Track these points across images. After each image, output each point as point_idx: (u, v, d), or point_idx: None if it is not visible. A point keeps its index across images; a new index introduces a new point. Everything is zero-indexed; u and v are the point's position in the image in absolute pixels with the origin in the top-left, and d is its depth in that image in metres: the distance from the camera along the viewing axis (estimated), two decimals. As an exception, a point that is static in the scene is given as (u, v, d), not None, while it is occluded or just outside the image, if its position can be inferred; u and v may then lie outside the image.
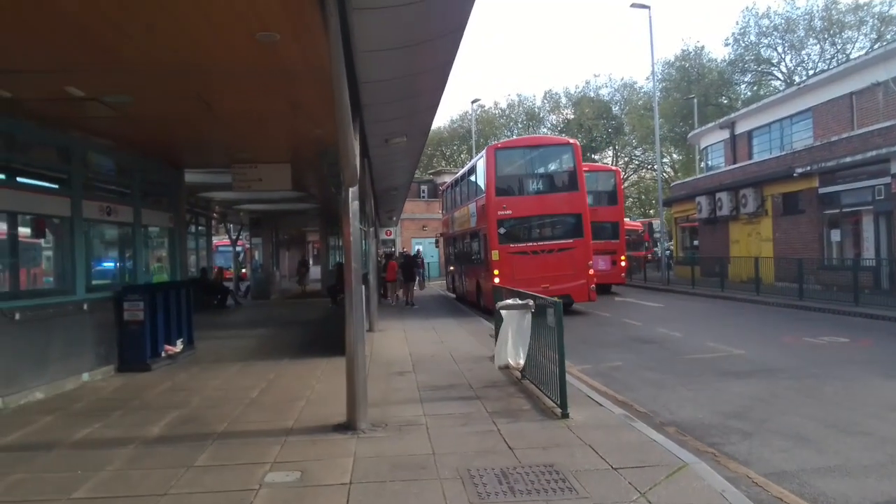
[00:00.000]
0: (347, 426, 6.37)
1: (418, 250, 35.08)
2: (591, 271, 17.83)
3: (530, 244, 17.76)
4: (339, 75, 5.43)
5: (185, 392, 8.41)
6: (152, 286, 11.12)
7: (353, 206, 6.62)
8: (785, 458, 5.66)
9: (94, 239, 10.96)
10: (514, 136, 61.45)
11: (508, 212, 17.67)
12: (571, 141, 19.53)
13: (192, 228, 20.61)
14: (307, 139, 10.83)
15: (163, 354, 10.35)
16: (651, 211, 51.25)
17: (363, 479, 5.02)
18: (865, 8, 41.06)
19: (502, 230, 17.61)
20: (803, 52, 44.77)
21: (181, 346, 10.97)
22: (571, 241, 17.70)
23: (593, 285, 17.85)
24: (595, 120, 56.55)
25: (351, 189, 6.59)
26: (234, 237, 27.67)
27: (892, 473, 5.17)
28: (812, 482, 5.07)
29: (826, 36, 43.04)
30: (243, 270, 31.29)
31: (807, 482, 5.07)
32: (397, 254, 30.59)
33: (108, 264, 12.18)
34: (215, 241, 31.57)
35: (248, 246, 30.70)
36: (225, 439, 6.19)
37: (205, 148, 12.13)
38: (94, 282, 10.27)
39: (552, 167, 19.40)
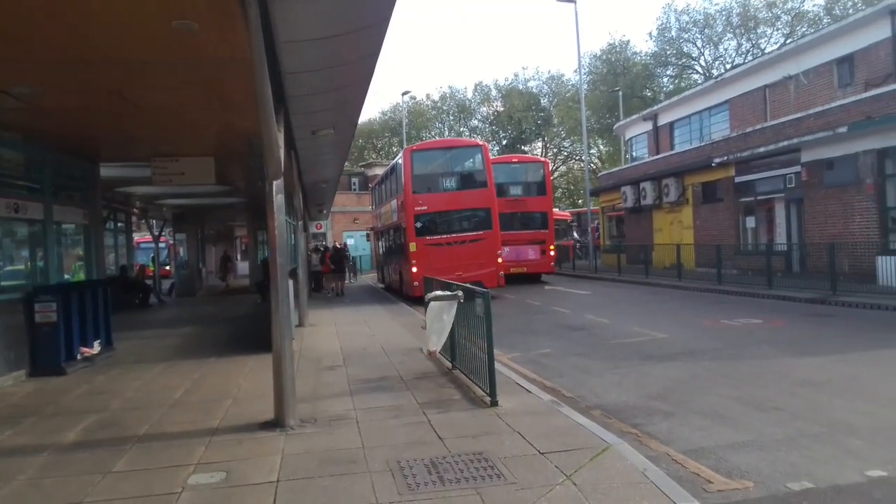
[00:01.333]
0: (275, 423, 6.27)
1: (345, 243, 34.79)
2: (500, 259, 19.91)
3: (445, 236, 19.60)
4: (261, 66, 5.30)
5: (103, 395, 8.07)
6: (66, 286, 10.61)
7: (278, 199, 6.49)
8: (703, 436, 5.90)
9: (1, 238, 10.38)
10: (446, 128, 61.78)
11: (424, 207, 19.49)
12: (481, 143, 22.22)
13: (111, 225, 19.73)
14: (232, 131, 10.55)
15: (79, 357, 9.88)
16: (580, 201, 52.35)
17: (291, 476, 4.95)
18: (779, 4, 43.07)
19: (419, 224, 19.46)
20: (721, 47, 46.67)
21: (99, 348, 10.51)
22: (482, 232, 19.71)
23: (502, 272, 19.97)
24: (524, 112, 57.31)
25: (275, 182, 6.45)
26: (156, 233, 26.69)
27: (801, 446, 5.47)
28: (728, 457, 5.30)
29: (742, 31, 44.94)
30: (167, 267, 30.25)
31: (723, 457, 5.31)
32: (330, 247, 30.59)
33: (18, 265, 11.56)
34: (137, 237, 30.40)
35: (171, 242, 29.65)
36: (146, 442, 5.98)
37: (123, 141, 11.64)
38: (2, 283, 9.72)
39: (464, 167, 21.30)
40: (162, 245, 29.03)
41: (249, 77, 5.53)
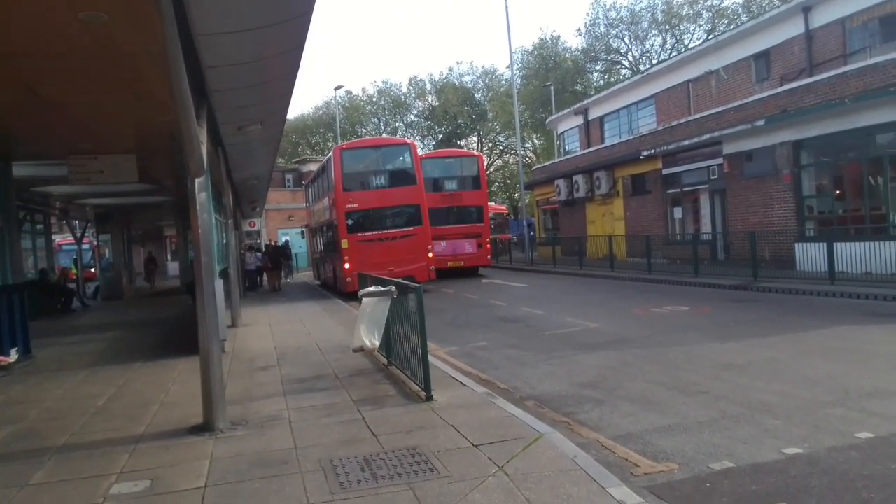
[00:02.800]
0: (204, 427, 6.09)
1: (286, 241, 34.25)
2: (431, 254, 20.45)
3: (376, 233, 19.92)
4: (176, 59, 5.10)
5: (20, 405, 7.67)
6: (-22, 292, 10.04)
7: (201, 197, 6.30)
8: (632, 422, 6.06)
9: None
10: (382, 123, 61.38)
11: (355, 205, 19.81)
12: (409, 141, 23.18)
13: (28, 227, 18.78)
14: (153, 128, 10.19)
15: (-6, 366, 9.40)
16: (515, 195, 52.97)
17: (220, 480, 4.82)
18: (700, 1, 44.58)
19: (350, 221, 19.72)
20: (647, 43, 47.97)
21: (16, 356, 9.99)
22: (412, 228, 20.15)
23: (433, 266, 20.57)
24: (459, 106, 57.48)
25: (198, 180, 6.26)
26: (79, 234, 25.56)
27: (724, 427, 5.68)
28: (654, 441, 5.46)
29: (667, 28, 46.29)
30: (91, 270, 29.05)
31: (650, 441, 5.46)
32: (264, 245, 30.50)
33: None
34: (58, 239, 29.05)
35: (95, 243, 28.48)
36: (66, 453, 5.72)
37: (37, 138, 11.10)
38: None
39: (393, 164, 21.62)
40: (85, 246, 27.83)
41: (167, 71, 5.35)
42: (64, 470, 5.27)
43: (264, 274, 26.69)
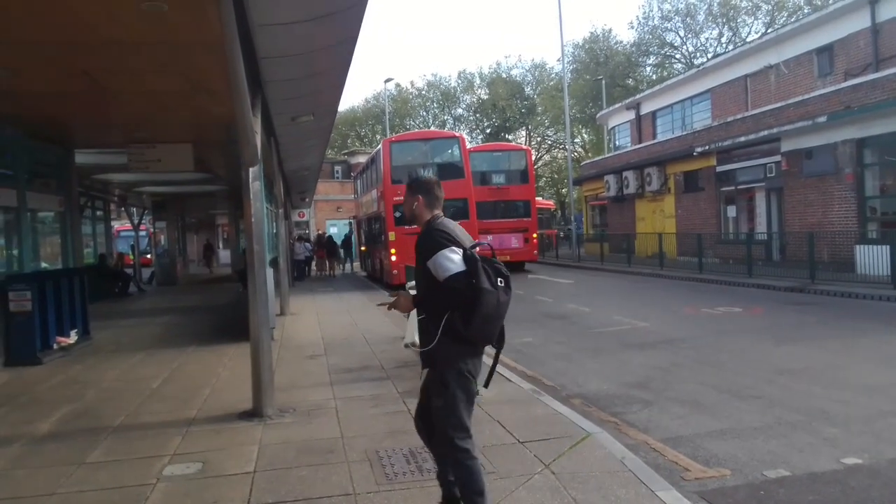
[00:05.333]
0: (253, 413, 6.20)
1: (330, 235, 34.73)
2: (478, 248, 19.93)
3: None
4: (234, 50, 5.17)
5: (79, 385, 7.95)
6: (41, 274, 10.43)
7: (254, 186, 6.39)
8: (681, 424, 5.92)
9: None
10: (430, 116, 61.50)
11: (402, 197, 19.34)
12: (457, 134, 23.08)
13: (89, 213, 19.44)
14: (209, 117, 10.37)
15: (55, 347, 9.73)
16: (563, 190, 52.41)
17: (268, 466, 4.89)
18: (759, -7, 43.24)
19: (398, 214, 19.40)
20: (702, 36, 46.77)
21: (76, 337, 10.35)
22: (459, 222, 19.29)
23: None
24: (508, 100, 57.13)
25: (252, 169, 6.36)
26: (136, 221, 26.33)
27: (779, 434, 5.50)
28: (705, 445, 5.32)
29: (723, 20, 45.02)
30: (147, 255, 29.93)
31: (701, 445, 5.32)
32: (315, 236, 32.64)
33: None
34: (116, 225, 29.99)
35: (152, 230, 29.32)
36: (121, 433, 5.89)
37: (97, 127, 11.44)
38: (-25, 271, 9.52)
39: (441, 157, 21.76)
40: (142, 233, 28.68)
41: (224, 61, 5.42)
42: (119, 449, 5.43)
43: (312, 263, 28.12)
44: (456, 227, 3.71)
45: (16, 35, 6.24)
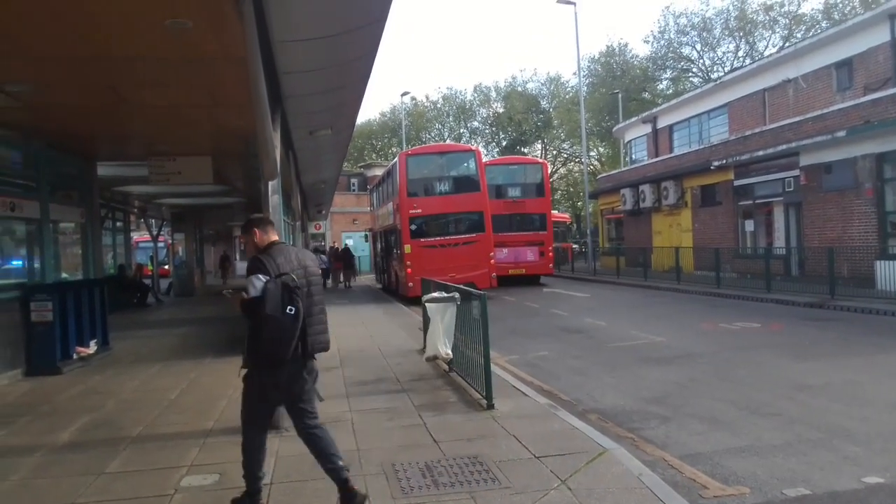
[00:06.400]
0: (270, 425, 6.20)
1: (346, 246, 34.92)
2: (493, 261, 20.33)
3: (438, 239, 20.04)
4: (256, 65, 5.26)
5: (98, 395, 8.04)
6: (62, 285, 10.57)
7: (273, 199, 6.46)
8: (700, 441, 5.87)
9: (-3, 236, 10.35)
10: (446, 129, 61.73)
11: (419, 210, 19.99)
12: (473, 148, 23.12)
13: (109, 224, 19.69)
14: (229, 131, 10.52)
15: (75, 357, 9.85)
16: (579, 203, 52.32)
17: (285, 478, 4.92)
18: (776, 8, 43.06)
19: (413, 227, 19.95)
20: (719, 50, 46.60)
21: (95, 348, 10.47)
22: (474, 235, 20.19)
23: (494, 274, 20.37)
24: (524, 114, 57.20)
25: (271, 182, 6.44)
26: (155, 233, 26.65)
27: (799, 451, 5.44)
28: (724, 462, 5.27)
29: (740, 34, 44.88)
30: (165, 266, 30.24)
31: (719, 463, 5.27)
32: (329, 248, 32.41)
33: (15, 262, 11.52)
34: (135, 236, 30.35)
35: (170, 241, 29.64)
36: (140, 443, 5.94)
37: (119, 139, 11.62)
38: (-2, 281, 9.67)
39: (457, 171, 21.75)
40: (160, 244, 29.02)
41: (245, 76, 5.51)
42: (138, 460, 5.48)
43: (330, 275, 28.31)
44: (282, 255, 4.26)
45: (41, 51, 6.38)
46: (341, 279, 29.52)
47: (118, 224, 21.44)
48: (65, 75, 7.28)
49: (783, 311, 14.91)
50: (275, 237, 4.45)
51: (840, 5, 40.70)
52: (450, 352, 8.23)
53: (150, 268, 26.96)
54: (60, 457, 5.66)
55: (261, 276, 4.07)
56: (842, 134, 17.43)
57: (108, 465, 5.36)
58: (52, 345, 9.33)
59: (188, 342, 12.62)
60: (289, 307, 4.00)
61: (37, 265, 10.95)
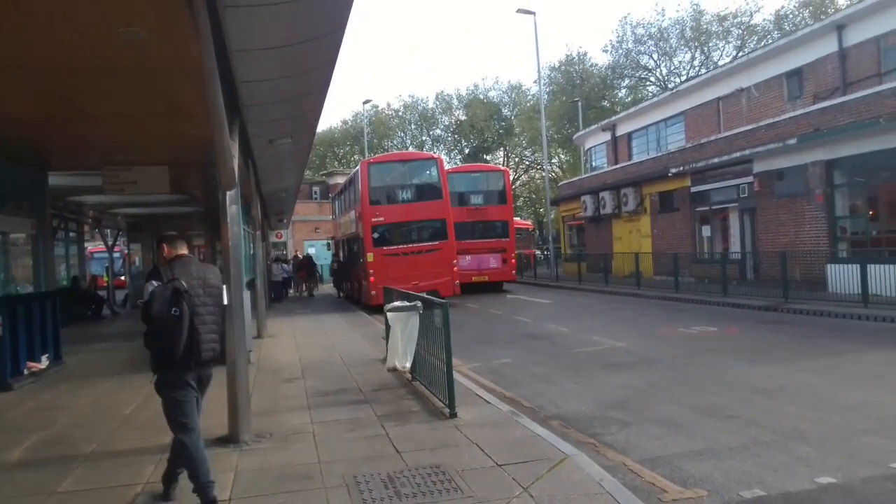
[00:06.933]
0: (229, 439, 6.13)
1: (307, 255, 34.57)
2: (456, 268, 20.40)
3: (401, 247, 19.99)
4: (212, 76, 5.18)
5: (50, 411, 7.79)
6: (12, 298, 10.25)
7: (232, 210, 6.37)
8: (659, 445, 5.96)
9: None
10: (409, 137, 61.75)
11: (381, 218, 19.93)
12: (436, 156, 23.20)
13: (62, 235, 19.16)
14: (186, 140, 10.33)
15: (25, 372, 9.53)
16: (541, 210, 52.77)
17: (244, 494, 4.84)
18: (730, 18, 44.27)
19: (376, 235, 19.85)
20: (675, 60, 47.66)
21: (47, 362, 10.15)
22: (437, 243, 20.27)
23: (458, 281, 20.48)
24: (486, 121, 57.60)
25: (229, 193, 6.34)
26: (110, 243, 26.01)
27: (754, 453, 5.56)
28: (683, 466, 5.36)
29: (696, 44, 45.98)
30: (122, 277, 29.53)
31: (678, 466, 5.36)
32: (297, 257, 32.96)
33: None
34: (90, 247, 29.59)
35: (126, 252, 28.96)
36: (94, 461, 5.78)
37: (74, 150, 11.31)
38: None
39: (420, 179, 21.74)
40: (116, 255, 28.32)
41: (201, 86, 5.43)
42: (91, 478, 5.34)
43: (292, 284, 28.37)
44: (181, 266, 4.70)
45: (-9, 59, 6.21)
46: (303, 288, 29.31)
47: (72, 234, 20.87)
48: (16, 84, 7.08)
49: (739, 314, 15.25)
50: (182, 252, 4.86)
51: (791, 16, 42.05)
52: (408, 365, 8.22)
53: (105, 279, 26.29)
54: (10, 476, 5.47)
55: (154, 281, 4.52)
56: (793, 142, 17.95)
57: (60, 484, 5.20)
58: (2, 360, 9.00)
59: (144, 355, 12.12)
60: (174, 308, 4.37)
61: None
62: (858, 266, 14.73)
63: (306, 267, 29.71)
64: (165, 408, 4.65)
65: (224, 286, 5.06)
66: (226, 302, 5.16)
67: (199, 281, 4.68)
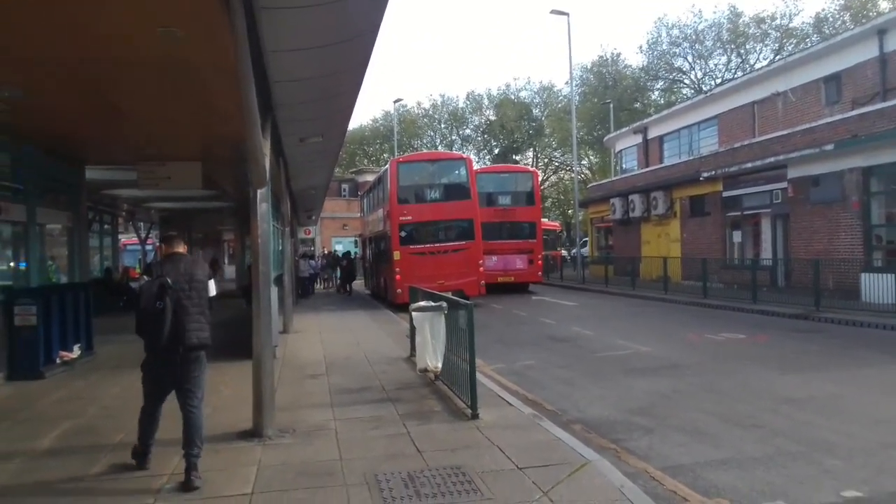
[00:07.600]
0: (253, 433, 6.21)
1: (335, 252, 34.83)
2: (482, 269, 20.38)
3: (428, 246, 20.05)
4: (247, 75, 5.26)
5: (80, 401, 7.98)
6: (47, 288, 10.49)
7: (262, 207, 6.46)
8: (682, 452, 5.90)
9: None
10: (438, 136, 61.82)
11: (409, 217, 19.98)
12: (465, 156, 23.26)
13: (97, 227, 19.58)
14: (219, 137, 10.52)
15: (58, 361, 9.76)
16: (570, 211, 52.50)
17: (266, 488, 4.90)
18: (768, 21, 43.48)
19: (403, 233, 19.90)
20: (711, 62, 46.97)
21: (79, 352, 10.38)
22: (464, 242, 20.32)
23: (483, 281, 20.45)
24: (516, 122, 57.41)
25: (260, 191, 6.43)
26: (143, 235, 26.52)
27: (779, 464, 5.48)
28: (705, 475, 5.30)
29: (732, 47, 45.27)
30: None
31: (701, 475, 5.30)
32: (324, 252, 32.17)
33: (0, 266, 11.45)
34: (123, 239, 30.18)
35: (158, 244, 29.50)
36: (121, 451, 5.88)
37: (109, 144, 11.58)
38: (-19, 284, 9.60)
39: (448, 179, 21.78)
40: (149, 247, 28.87)
41: (235, 85, 5.52)
42: (118, 467, 5.44)
43: (317, 281, 28.06)
44: (171, 263, 5.24)
45: (33, 54, 6.37)
46: (347, 288, 28.32)
47: (106, 227, 21.32)
48: (55, 80, 7.27)
49: (769, 322, 15.00)
50: (178, 250, 5.39)
51: (831, 20, 41.17)
52: (439, 366, 8.23)
53: (137, 271, 26.80)
54: (40, 463, 5.61)
55: (146, 277, 5.15)
56: (829, 147, 17.60)
57: (88, 472, 5.32)
58: (36, 349, 9.24)
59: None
60: (158, 302, 4.90)
61: (22, 268, 10.87)
62: (893, 276, 14.40)
63: (347, 266, 28.75)
64: (143, 381, 5.49)
65: (210, 281, 5.46)
66: (213, 294, 5.50)
67: (185, 277, 5.16)
